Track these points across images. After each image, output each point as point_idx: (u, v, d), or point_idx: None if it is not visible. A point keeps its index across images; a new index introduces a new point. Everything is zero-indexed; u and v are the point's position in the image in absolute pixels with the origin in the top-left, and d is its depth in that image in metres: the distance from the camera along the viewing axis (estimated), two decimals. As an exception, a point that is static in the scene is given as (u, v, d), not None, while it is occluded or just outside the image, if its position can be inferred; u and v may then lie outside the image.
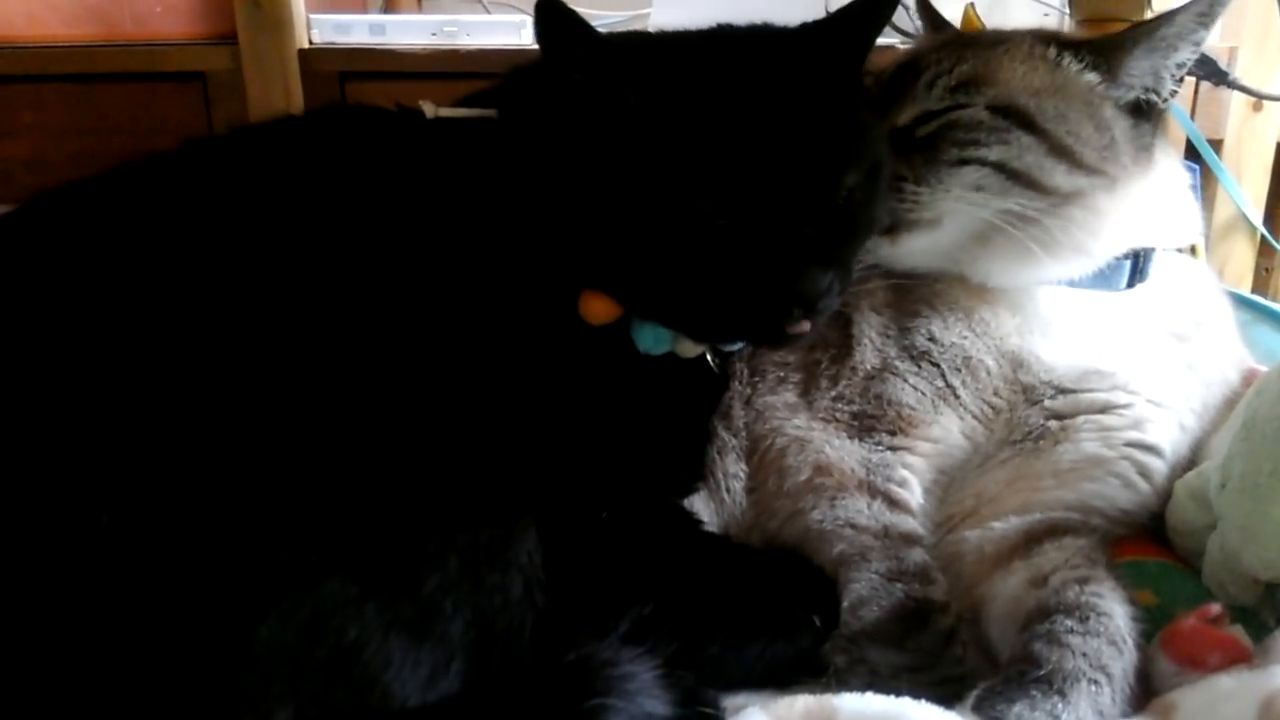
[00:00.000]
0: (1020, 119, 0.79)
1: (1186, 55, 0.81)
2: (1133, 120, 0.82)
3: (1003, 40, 0.84)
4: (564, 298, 0.74)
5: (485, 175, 0.75)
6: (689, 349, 0.78)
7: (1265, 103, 1.47)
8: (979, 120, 0.79)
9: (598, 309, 0.74)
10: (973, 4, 1.14)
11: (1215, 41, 1.47)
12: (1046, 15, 1.77)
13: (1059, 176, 0.79)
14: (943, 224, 0.81)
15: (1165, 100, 0.82)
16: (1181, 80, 0.83)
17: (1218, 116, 1.49)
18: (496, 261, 0.72)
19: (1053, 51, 0.82)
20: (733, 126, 0.68)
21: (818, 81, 0.73)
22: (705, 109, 0.69)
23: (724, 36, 0.78)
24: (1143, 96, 0.82)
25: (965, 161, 0.79)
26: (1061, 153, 0.79)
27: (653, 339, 0.76)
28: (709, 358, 0.81)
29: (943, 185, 0.80)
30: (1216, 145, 1.45)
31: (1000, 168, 0.79)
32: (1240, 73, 1.44)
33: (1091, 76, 0.81)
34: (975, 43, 0.85)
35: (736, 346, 0.83)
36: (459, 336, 0.70)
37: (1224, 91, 1.44)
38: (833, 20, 0.75)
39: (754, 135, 0.68)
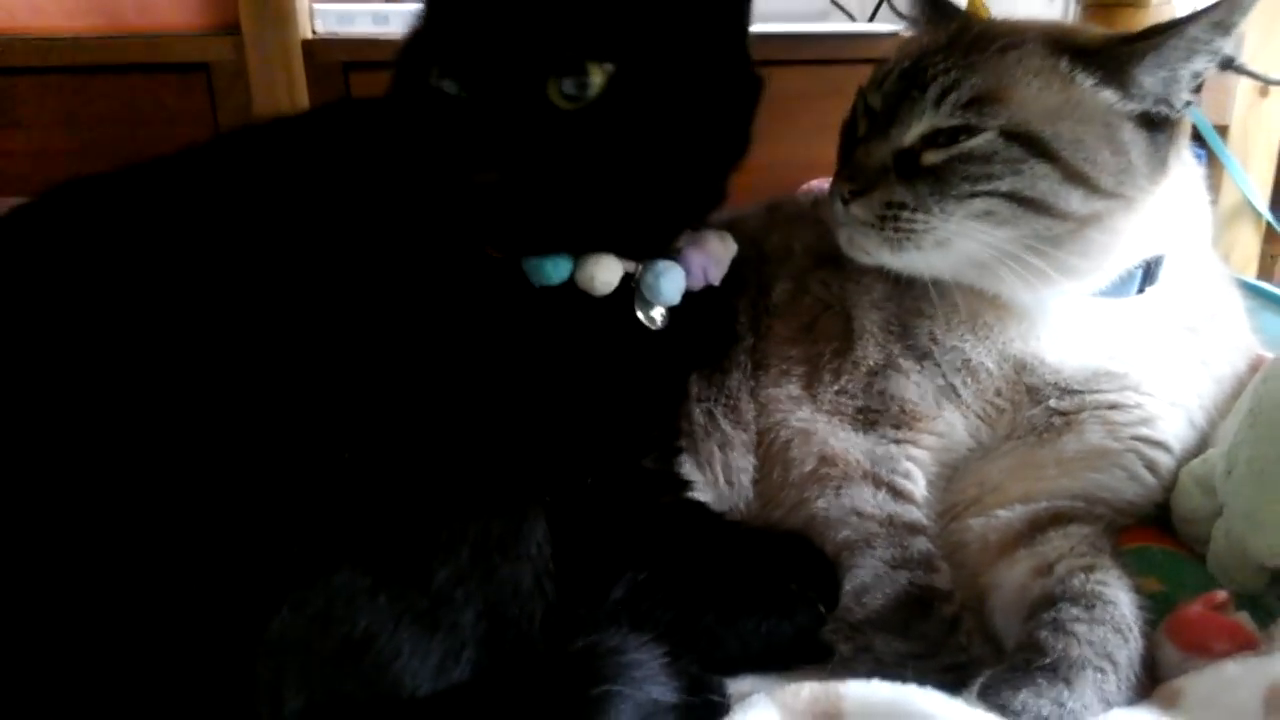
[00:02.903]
0: (1035, 146, 0.75)
1: (1202, 65, 0.76)
2: (1149, 134, 0.77)
3: (1012, 45, 0.78)
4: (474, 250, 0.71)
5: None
6: (592, 281, 0.72)
7: (1271, 88, 1.47)
8: (993, 151, 0.75)
9: None
10: (978, -9, 1.13)
11: (1221, 27, 1.47)
12: (1052, 2, 1.76)
13: (1075, 202, 0.75)
14: (951, 246, 0.78)
15: (1179, 111, 0.78)
16: (1198, 90, 0.78)
17: (1224, 102, 1.49)
18: (421, 236, 0.70)
19: (1065, 65, 0.76)
20: None
21: None
22: None
23: None
24: (1153, 110, 0.77)
25: (975, 195, 0.76)
26: (1078, 179, 0.75)
27: (535, 269, 0.71)
28: (640, 314, 0.76)
29: (946, 213, 0.76)
30: (1222, 131, 1.45)
31: (1012, 196, 0.75)
32: (1247, 58, 1.44)
33: (1107, 94, 0.76)
34: (982, 45, 0.79)
35: (664, 297, 0.76)
36: (404, 316, 0.68)
37: (1230, 77, 1.44)
38: None
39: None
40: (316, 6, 1.48)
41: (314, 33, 1.48)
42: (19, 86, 1.45)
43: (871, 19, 1.84)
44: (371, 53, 1.43)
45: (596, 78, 0.62)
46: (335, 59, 1.45)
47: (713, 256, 0.81)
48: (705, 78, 0.70)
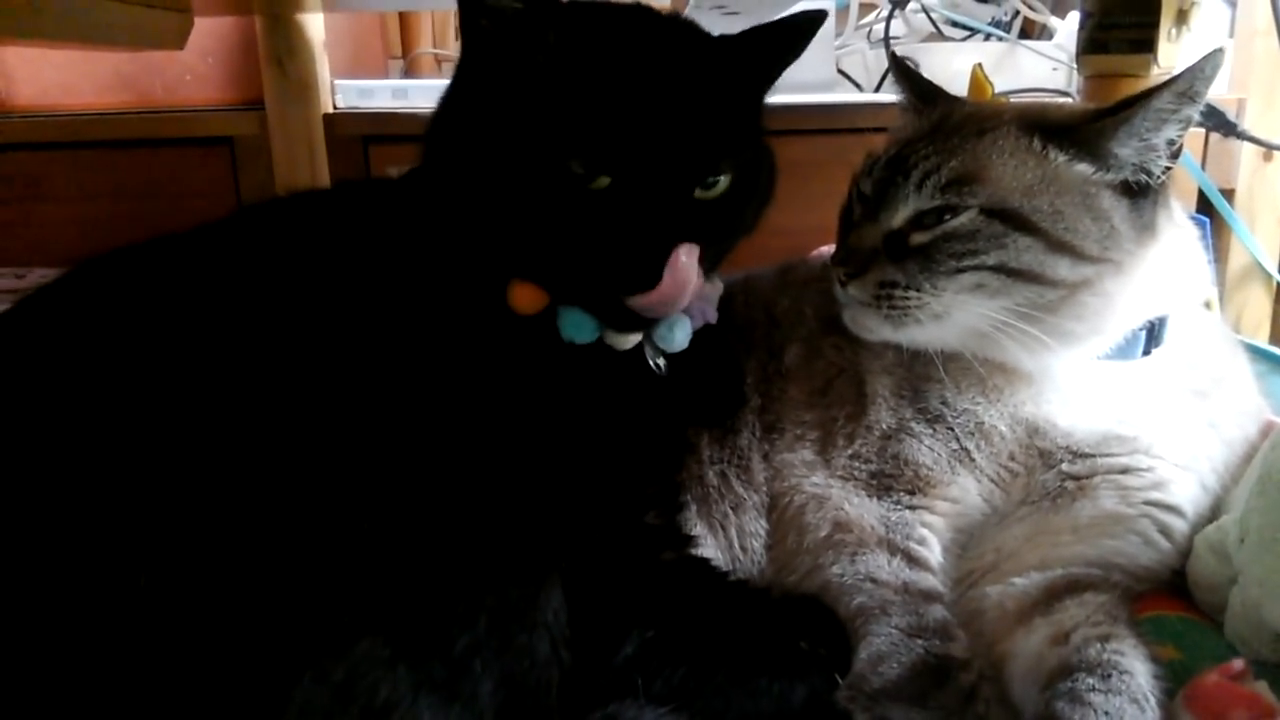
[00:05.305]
0: (1015, 221, 0.78)
1: (1175, 132, 0.79)
2: (1131, 201, 0.80)
3: (988, 128, 0.82)
4: (498, 299, 0.76)
5: (415, 206, 0.80)
6: (618, 339, 0.78)
7: (1275, 153, 1.49)
8: (975, 229, 0.78)
9: (523, 295, 0.75)
10: (980, 64, 1.16)
11: (1223, 93, 1.50)
12: (1055, 69, 1.80)
13: (1063, 269, 0.78)
14: (948, 319, 0.80)
15: (1159, 178, 0.80)
16: (1176, 156, 0.80)
17: (1229, 167, 1.51)
18: (444, 297, 0.75)
19: (1038, 144, 0.80)
20: (625, 87, 0.72)
21: (717, 77, 0.76)
22: (610, 63, 0.73)
23: (645, 11, 0.81)
24: (1132, 178, 0.79)
25: (962, 270, 0.79)
26: (1061, 248, 0.78)
27: (573, 325, 0.77)
28: (650, 359, 0.81)
29: (937, 289, 0.79)
30: (1228, 195, 1.47)
31: (1000, 269, 0.78)
32: (1249, 124, 1.46)
33: (1083, 167, 0.79)
34: (961, 130, 0.83)
35: (676, 344, 0.82)
36: (429, 383, 0.71)
37: (1234, 142, 1.47)
38: (747, 34, 0.80)
39: (642, 99, 0.72)
40: (338, 82, 1.53)
41: (335, 107, 1.53)
42: (52, 161, 1.50)
43: (877, 89, 1.89)
44: (391, 126, 1.48)
45: (725, 178, 0.77)
46: (355, 132, 1.50)
47: (708, 298, 0.86)
48: (762, 163, 0.83)
